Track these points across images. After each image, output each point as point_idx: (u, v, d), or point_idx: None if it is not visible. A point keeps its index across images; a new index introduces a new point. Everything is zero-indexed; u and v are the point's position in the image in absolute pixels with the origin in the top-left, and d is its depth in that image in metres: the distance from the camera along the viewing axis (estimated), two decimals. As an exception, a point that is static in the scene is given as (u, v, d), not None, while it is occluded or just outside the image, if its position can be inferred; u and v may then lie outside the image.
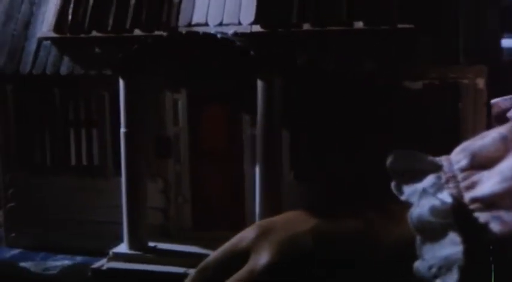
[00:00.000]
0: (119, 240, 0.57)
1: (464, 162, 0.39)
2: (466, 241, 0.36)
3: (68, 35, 0.60)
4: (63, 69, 0.61)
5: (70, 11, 0.60)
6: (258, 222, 0.46)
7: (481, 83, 0.52)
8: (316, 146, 0.56)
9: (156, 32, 0.57)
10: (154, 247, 0.57)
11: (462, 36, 0.52)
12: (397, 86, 0.53)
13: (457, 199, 0.37)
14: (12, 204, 0.64)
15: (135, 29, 0.58)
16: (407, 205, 0.40)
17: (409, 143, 0.52)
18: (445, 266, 0.36)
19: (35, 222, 0.63)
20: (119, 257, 0.56)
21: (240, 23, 0.55)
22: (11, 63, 0.62)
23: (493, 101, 0.54)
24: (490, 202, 0.37)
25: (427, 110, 0.53)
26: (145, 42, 0.54)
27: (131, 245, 0.56)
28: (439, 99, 0.53)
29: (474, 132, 0.52)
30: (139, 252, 0.56)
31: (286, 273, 0.40)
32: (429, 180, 0.39)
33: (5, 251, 0.63)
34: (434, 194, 0.38)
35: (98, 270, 0.55)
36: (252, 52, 0.51)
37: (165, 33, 0.56)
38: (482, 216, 0.37)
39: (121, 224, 0.57)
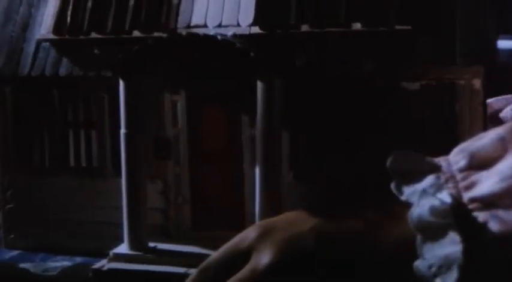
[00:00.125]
0: (118, 241, 0.57)
1: (462, 163, 0.40)
2: (466, 240, 0.36)
3: (67, 36, 0.60)
4: (62, 71, 0.61)
5: (69, 12, 0.60)
6: (259, 222, 0.47)
7: (477, 83, 0.53)
8: (315, 146, 0.56)
9: (156, 34, 0.57)
10: (155, 247, 0.57)
11: (459, 38, 0.53)
12: (396, 86, 0.53)
13: (456, 199, 0.38)
14: (11, 205, 0.64)
15: (134, 30, 0.58)
16: (407, 205, 0.40)
17: (407, 144, 0.53)
18: (444, 265, 0.37)
19: (34, 224, 0.63)
20: (120, 257, 0.56)
21: (238, 25, 0.56)
22: (9, 65, 0.62)
23: (487, 101, 0.54)
24: (488, 202, 0.38)
25: (424, 110, 0.54)
26: (146, 44, 0.54)
27: (132, 246, 0.56)
28: (436, 99, 0.53)
29: (471, 132, 0.53)
30: (139, 253, 0.56)
31: (288, 273, 0.41)
32: (428, 180, 0.40)
33: (4, 252, 0.63)
34: (433, 194, 0.38)
35: (99, 270, 0.55)
36: (252, 53, 0.51)
37: (164, 35, 0.56)
38: (481, 216, 0.37)
39: (120, 224, 0.58)
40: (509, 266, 0.37)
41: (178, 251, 0.57)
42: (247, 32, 0.55)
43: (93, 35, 0.59)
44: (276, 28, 0.55)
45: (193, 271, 0.47)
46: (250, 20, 0.55)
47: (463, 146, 0.41)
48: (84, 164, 0.62)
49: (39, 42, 0.61)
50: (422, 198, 0.38)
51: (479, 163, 0.39)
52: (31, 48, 0.62)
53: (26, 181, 0.63)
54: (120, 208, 0.58)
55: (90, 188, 0.62)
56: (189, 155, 0.59)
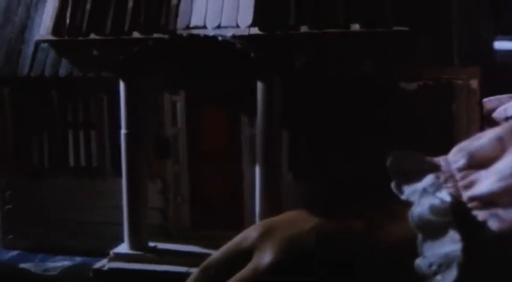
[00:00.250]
0: (117, 241, 0.58)
1: (461, 162, 0.40)
2: (465, 239, 0.37)
3: (66, 37, 0.60)
4: (62, 72, 0.61)
5: (68, 13, 0.60)
6: (260, 221, 0.47)
7: (474, 83, 0.53)
8: (314, 146, 0.56)
9: (155, 35, 0.57)
10: (155, 247, 0.57)
11: (456, 38, 0.53)
12: (394, 87, 0.54)
13: (456, 198, 0.39)
14: (10, 206, 0.64)
15: (134, 31, 0.58)
16: (406, 205, 0.41)
17: (405, 143, 0.54)
18: (444, 263, 0.37)
19: (33, 224, 0.63)
20: (120, 257, 0.56)
21: (238, 26, 0.56)
22: (8, 66, 0.62)
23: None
24: (487, 200, 0.38)
25: (422, 110, 0.54)
26: (147, 45, 0.55)
27: (132, 245, 0.57)
28: (434, 99, 0.54)
29: (468, 131, 0.53)
30: (140, 252, 0.56)
31: (289, 272, 0.41)
32: (428, 180, 0.40)
33: (3, 253, 0.63)
34: (433, 193, 0.39)
35: (99, 270, 0.55)
36: (252, 54, 0.52)
37: (164, 36, 0.56)
38: (480, 214, 0.38)
39: (120, 224, 0.58)
40: (508, 264, 0.37)
41: (178, 251, 0.57)
42: (247, 33, 0.55)
43: (92, 36, 0.60)
44: (275, 29, 0.55)
45: (194, 270, 0.47)
46: (250, 21, 0.56)
47: (461, 145, 0.42)
48: (83, 164, 0.62)
49: (38, 43, 0.62)
50: (423, 197, 0.39)
51: (478, 162, 0.40)
52: (30, 49, 0.62)
53: (25, 181, 0.63)
54: (119, 208, 0.58)
55: (89, 188, 0.62)
56: (188, 155, 0.60)
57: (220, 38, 0.53)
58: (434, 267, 0.38)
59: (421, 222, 0.38)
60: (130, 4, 0.59)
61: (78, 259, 0.60)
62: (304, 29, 0.55)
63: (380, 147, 0.54)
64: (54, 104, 0.62)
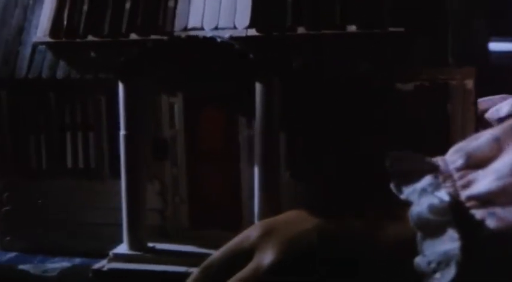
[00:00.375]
0: (116, 242, 0.58)
1: (459, 162, 0.41)
2: (463, 237, 0.38)
3: (64, 39, 0.60)
4: (60, 73, 0.61)
5: (65, 15, 0.60)
6: (260, 221, 0.48)
7: (469, 83, 0.54)
8: (311, 146, 0.57)
9: (153, 36, 0.58)
10: (154, 247, 0.58)
11: (451, 39, 0.54)
12: (391, 88, 0.54)
13: (454, 197, 0.39)
14: (7, 208, 0.64)
15: (131, 33, 0.59)
16: (405, 205, 0.41)
17: (402, 143, 0.54)
18: (443, 261, 0.38)
19: (31, 226, 0.63)
20: (120, 257, 0.56)
21: (235, 27, 0.56)
22: (5, 68, 0.62)
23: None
24: (485, 199, 0.39)
25: (418, 110, 0.55)
26: (146, 46, 0.55)
27: (131, 246, 0.57)
28: (430, 100, 0.54)
29: (463, 131, 0.54)
30: (139, 253, 0.57)
31: (291, 272, 0.42)
32: (427, 180, 0.41)
33: (1, 255, 0.63)
34: (432, 193, 0.39)
35: (99, 271, 0.56)
36: (251, 55, 0.52)
37: (162, 37, 0.57)
38: (478, 213, 0.39)
39: (118, 225, 0.58)
40: (506, 262, 0.38)
41: (177, 251, 0.57)
42: (244, 35, 0.56)
43: (90, 38, 0.60)
44: (273, 30, 0.55)
45: (194, 270, 0.47)
46: (247, 22, 0.56)
47: (459, 146, 0.43)
48: (81, 166, 0.62)
49: (35, 45, 0.62)
50: (422, 197, 0.39)
51: (476, 162, 0.41)
52: (27, 50, 0.62)
53: (22, 183, 0.63)
54: (117, 209, 0.58)
55: (87, 189, 0.62)
56: (186, 156, 0.60)
57: (219, 40, 0.53)
58: (433, 265, 0.38)
59: (421, 221, 0.39)
60: (127, 6, 0.59)
61: (77, 260, 0.60)
62: (301, 30, 0.55)
63: (377, 147, 0.54)
64: (52, 105, 0.62)
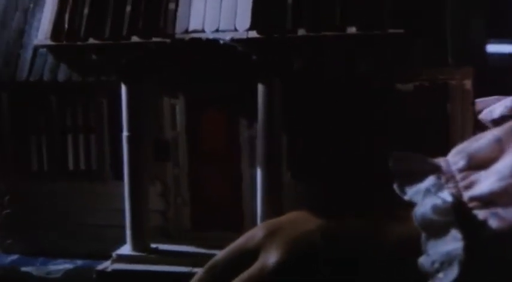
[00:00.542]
0: (118, 243, 0.58)
1: (462, 163, 0.42)
2: (466, 237, 0.38)
3: (65, 42, 0.61)
4: (61, 76, 0.61)
5: (66, 18, 0.60)
6: (265, 221, 0.48)
7: (468, 83, 0.55)
8: (312, 147, 0.57)
9: (154, 39, 0.58)
10: (157, 248, 0.58)
11: (450, 39, 0.55)
12: (391, 88, 0.55)
13: (457, 198, 0.40)
14: (9, 210, 0.64)
15: (132, 36, 0.59)
16: (406, 204, 0.42)
17: (402, 143, 0.55)
18: (446, 261, 0.38)
19: (32, 228, 0.64)
20: (123, 258, 0.57)
21: (236, 29, 0.57)
22: (6, 71, 0.63)
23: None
24: (488, 200, 0.39)
25: (418, 110, 0.55)
26: (150, 49, 0.55)
27: (134, 247, 0.57)
28: (429, 100, 0.55)
29: (462, 131, 0.55)
30: (142, 254, 0.57)
31: (296, 272, 0.42)
32: (430, 180, 0.41)
33: (2, 257, 0.63)
34: (435, 194, 0.40)
35: (103, 272, 0.56)
36: (253, 57, 0.52)
37: (163, 40, 0.57)
38: (481, 214, 0.39)
39: (119, 227, 0.59)
40: (508, 261, 0.38)
41: (180, 251, 0.58)
42: (245, 37, 0.56)
43: (91, 40, 0.60)
44: (273, 32, 0.56)
45: (198, 270, 0.48)
46: (248, 24, 0.56)
47: (461, 147, 0.43)
48: (83, 168, 0.63)
49: (36, 48, 0.62)
50: (426, 198, 0.40)
51: (478, 163, 0.41)
52: (28, 53, 0.62)
53: (23, 186, 0.64)
54: (119, 211, 0.59)
55: (89, 191, 0.63)
56: (188, 157, 0.61)
57: (221, 41, 0.54)
58: (436, 265, 0.39)
59: (424, 221, 0.39)
60: (128, 8, 0.59)
61: (79, 262, 0.61)
62: (301, 32, 0.56)
63: (377, 147, 0.55)
64: (53, 108, 0.62)
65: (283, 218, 0.46)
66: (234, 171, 0.59)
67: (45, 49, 0.62)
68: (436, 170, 0.42)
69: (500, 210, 0.39)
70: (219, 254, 0.46)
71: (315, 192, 0.57)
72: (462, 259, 0.38)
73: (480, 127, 0.59)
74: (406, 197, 0.41)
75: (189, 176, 0.61)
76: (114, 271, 0.56)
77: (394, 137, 0.55)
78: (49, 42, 0.61)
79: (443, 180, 0.41)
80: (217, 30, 0.57)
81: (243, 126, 0.58)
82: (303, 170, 0.58)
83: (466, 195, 0.40)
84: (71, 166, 0.63)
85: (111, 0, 0.59)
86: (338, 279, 0.42)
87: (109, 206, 0.62)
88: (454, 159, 0.42)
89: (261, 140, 0.54)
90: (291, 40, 0.56)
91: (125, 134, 0.57)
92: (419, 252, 0.40)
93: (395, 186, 0.42)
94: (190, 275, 0.50)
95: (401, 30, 0.54)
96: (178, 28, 0.58)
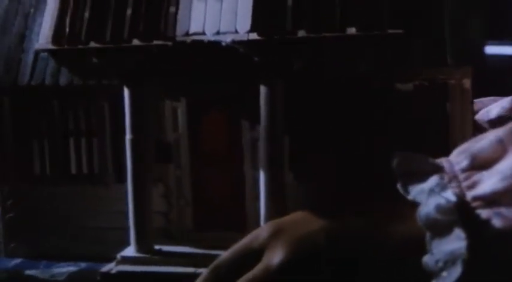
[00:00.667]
0: (120, 246, 0.59)
1: (464, 163, 0.42)
2: (470, 236, 0.39)
3: (66, 46, 0.61)
4: (62, 80, 0.62)
5: (67, 22, 0.60)
6: (270, 221, 0.48)
7: (467, 83, 0.55)
8: (313, 147, 0.58)
9: (155, 42, 0.58)
10: (161, 249, 0.59)
11: (448, 39, 0.55)
12: (390, 88, 0.55)
13: (460, 197, 0.40)
14: (11, 214, 0.65)
15: (133, 39, 0.59)
16: (408, 204, 0.42)
17: (403, 143, 0.55)
18: (450, 260, 0.39)
19: (35, 232, 0.64)
20: (127, 260, 0.57)
21: (236, 31, 0.57)
22: (8, 75, 0.63)
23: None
24: (491, 200, 0.40)
25: (418, 110, 0.56)
26: (152, 52, 0.56)
27: (138, 248, 0.58)
28: (429, 99, 0.55)
29: (462, 130, 0.55)
30: (146, 255, 0.57)
31: (300, 272, 0.42)
32: (433, 180, 0.42)
33: (6, 261, 0.64)
34: (439, 193, 0.40)
35: (107, 274, 0.56)
36: (256, 58, 0.53)
37: (164, 43, 0.57)
38: (484, 213, 0.40)
39: (122, 229, 0.59)
40: (511, 260, 0.39)
41: (184, 252, 0.58)
42: (246, 39, 0.56)
43: (92, 44, 0.60)
44: (274, 34, 0.56)
45: (203, 270, 0.48)
46: (248, 26, 0.57)
47: (463, 147, 0.44)
48: (85, 172, 0.63)
49: (38, 52, 0.62)
50: (430, 197, 0.40)
51: (480, 164, 0.42)
52: (29, 58, 0.63)
53: (26, 190, 0.64)
54: (121, 213, 0.59)
55: (91, 194, 0.63)
56: (190, 159, 0.61)
57: (224, 43, 0.54)
58: (440, 264, 0.39)
59: (428, 221, 0.40)
60: (129, 12, 0.59)
61: (83, 264, 0.61)
62: (301, 33, 0.56)
63: (378, 146, 0.56)
64: (55, 112, 0.63)
65: (287, 219, 0.46)
66: (236, 172, 0.60)
67: (46, 53, 0.62)
68: (439, 170, 0.43)
69: (503, 210, 0.39)
70: (224, 254, 0.47)
71: (317, 192, 0.57)
72: (465, 258, 0.38)
73: (477, 127, 0.59)
74: (410, 197, 0.42)
75: (191, 177, 0.61)
76: (119, 273, 0.56)
77: (394, 137, 0.56)
78: (50, 46, 0.61)
79: (446, 180, 0.42)
80: (218, 33, 0.57)
81: (245, 127, 0.59)
82: (304, 170, 0.58)
83: (469, 194, 0.41)
84: (73, 170, 0.63)
85: (111, 4, 0.59)
86: (340, 279, 0.42)
87: (111, 208, 0.62)
88: (457, 159, 0.43)
89: (263, 142, 0.55)
90: (291, 41, 0.56)
91: (128, 137, 0.57)
92: (421, 251, 0.40)
93: (399, 186, 0.42)
94: (195, 275, 0.50)
95: (400, 31, 0.54)
96: (179, 31, 0.58)
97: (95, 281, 0.57)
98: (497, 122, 0.64)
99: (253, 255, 0.45)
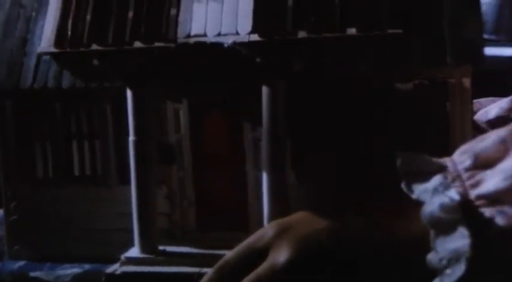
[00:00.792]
0: (124, 247, 0.59)
1: (467, 163, 0.43)
2: (473, 235, 0.39)
3: (68, 49, 0.61)
4: (65, 83, 0.62)
5: (69, 25, 0.61)
6: (274, 221, 0.49)
7: (466, 82, 0.56)
8: (314, 147, 0.58)
9: (156, 44, 0.59)
10: (165, 250, 0.59)
11: (448, 38, 0.55)
12: (391, 88, 0.56)
13: (464, 196, 0.41)
14: (15, 217, 0.65)
15: (135, 41, 0.59)
16: (410, 203, 0.43)
17: (403, 142, 0.56)
18: (454, 258, 0.39)
19: (39, 234, 0.64)
20: (132, 261, 0.57)
21: (237, 33, 0.57)
22: (10, 79, 0.63)
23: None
24: (494, 198, 0.40)
25: (418, 109, 0.56)
26: (154, 54, 0.56)
27: (143, 249, 0.58)
28: (429, 98, 0.56)
29: (461, 129, 0.56)
30: (151, 256, 0.58)
31: (305, 271, 0.43)
32: (437, 180, 0.42)
33: (10, 263, 0.64)
34: (443, 192, 0.41)
35: (112, 274, 0.57)
36: (258, 59, 0.53)
37: (166, 45, 0.58)
38: (487, 212, 0.40)
39: (125, 231, 0.59)
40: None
41: (188, 253, 0.58)
42: (247, 40, 0.57)
43: (94, 47, 0.60)
44: (274, 35, 0.57)
45: (207, 270, 0.48)
46: (249, 28, 0.57)
47: (466, 147, 0.44)
48: (88, 173, 0.63)
49: (40, 56, 0.62)
50: (434, 196, 0.41)
51: (483, 163, 0.42)
52: (32, 61, 0.63)
53: (29, 192, 0.64)
54: (125, 215, 0.60)
55: (94, 196, 0.63)
56: (192, 160, 0.61)
57: (225, 45, 0.54)
58: (444, 262, 0.40)
59: (433, 219, 0.40)
60: (130, 14, 0.60)
61: (87, 266, 0.61)
62: (302, 34, 0.56)
63: (378, 146, 0.56)
64: (58, 115, 0.63)
65: (291, 218, 0.47)
66: (238, 173, 0.60)
67: (48, 56, 0.62)
68: (443, 169, 0.43)
69: (506, 208, 0.40)
70: (228, 254, 0.47)
71: (319, 193, 0.57)
72: (469, 256, 0.39)
73: (476, 128, 0.60)
74: (414, 196, 0.42)
75: (194, 178, 0.61)
76: (123, 274, 0.57)
77: (394, 137, 0.56)
78: (52, 49, 0.61)
79: (450, 179, 0.42)
80: (219, 34, 0.58)
81: (246, 128, 0.59)
82: (306, 170, 0.58)
83: (473, 193, 0.41)
84: (76, 172, 0.63)
85: (113, 7, 0.59)
86: (343, 278, 0.43)
87: (114, 210, 0.62)
88: (460, 158, 0.43)
89: (265, 142, 0.55)
90: (292, 42, 0.56)
91: (131, 138, 0.58)
92: (424, 250, 0.41)
93: (403, 186, 0.43)
94: (199, 275, 0.51)
95: (400, 31, 0.55)
96: (180, 33, 0.59)
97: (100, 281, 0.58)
98: (496, 123, 0.65)
99: (258, 254, 0.45)
